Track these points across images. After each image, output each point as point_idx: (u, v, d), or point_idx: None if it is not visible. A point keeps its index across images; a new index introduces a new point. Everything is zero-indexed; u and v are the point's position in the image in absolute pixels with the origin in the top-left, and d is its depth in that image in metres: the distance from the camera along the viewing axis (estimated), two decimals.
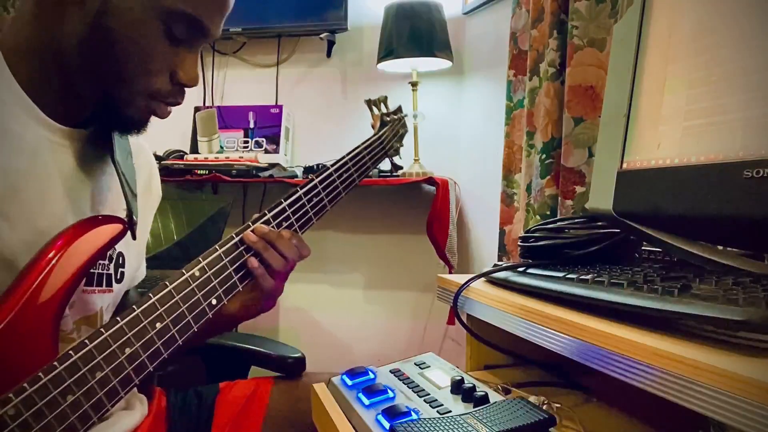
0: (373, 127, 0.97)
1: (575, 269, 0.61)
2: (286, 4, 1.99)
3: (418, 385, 0.62)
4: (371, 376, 0.65)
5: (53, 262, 0.56)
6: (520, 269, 0.69)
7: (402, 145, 1.00)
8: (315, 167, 1.82)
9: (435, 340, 2.05)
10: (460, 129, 2.01)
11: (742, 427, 0.34)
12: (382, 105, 1.00)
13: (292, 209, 0.74)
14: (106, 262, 0.70)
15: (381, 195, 2.02)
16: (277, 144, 1.99)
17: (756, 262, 0.51)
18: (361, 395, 0.60)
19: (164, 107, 0.66)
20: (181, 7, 0.60)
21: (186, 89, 0.67)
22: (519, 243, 0.76)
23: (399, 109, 1.02)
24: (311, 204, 0.77)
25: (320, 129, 2.12)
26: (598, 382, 0.71)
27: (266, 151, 1.98)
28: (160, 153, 1.85)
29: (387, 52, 1.77)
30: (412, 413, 0.54)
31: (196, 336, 0.64)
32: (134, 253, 0.77)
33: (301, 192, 0.76)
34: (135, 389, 0.67)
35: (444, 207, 1.74)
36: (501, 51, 1.58)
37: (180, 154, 1.88)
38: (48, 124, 0.63)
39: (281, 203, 0.74)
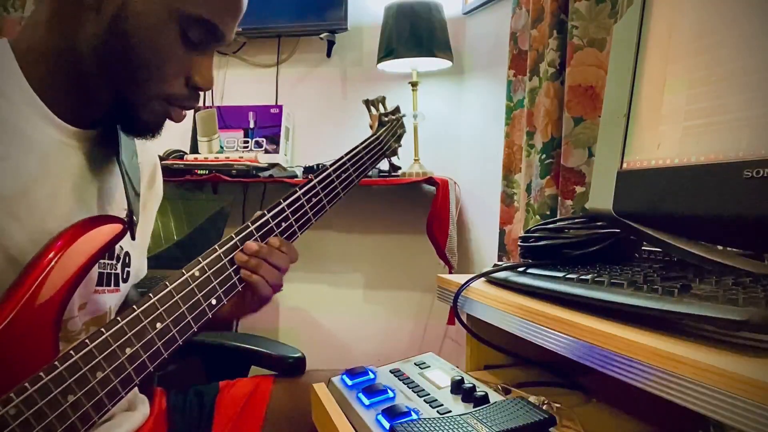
0: (371, 127, 0.97)
1: (575, 269, 0.61)
2: (286, 4, 1.99)
3: (418, 385, 0.62)
4: (371, 376, 0.65)
5: (53, 262, 0.56)
6: (520, 269, 0.69)
7: (400, 146, 1.01)
8: (315, 167, 1.82)
9: (435, 340, 2.05)
10: (460, 129, 2.01)
11: (742, 427, 0.34)
12: (380, 105, 1.00)
13: (291, 209, 0.74)
14: (114, 261, 0.71)
15: (381, 195, 2.02)
16: (277, 144, 1.99)
17: (756, 262, 0.51)
18: (361, 395, 0.60)
19: (179, 111, 0.67)
20: (197, 12, 0.61)
21: (200, 93, 0.68)
22: (519, 243, 0.76)
23: (397, 109, 1.02)
24: (310, 204, 0.77)
25: (320, 129, 2.12)
26: (598, 382, 0.71)
27: (266, 151, 1.98)
28: (160, 153, 1.85)
29: (387, 52, 1.77)
30: (412, 413, 0.54)
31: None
32: (138, 251, 0.77)
33: (300, 192, 0.76)
34: (136, 390, 0.67)
35: (444, 207, 1.74)
36: (501, 51, 1.58)
37: (180, 154, 1.88)
38: (58, 125, 0.63)
39: (280, 203, 0.74)
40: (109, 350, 0.56)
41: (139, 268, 0.80)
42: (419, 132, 1.85)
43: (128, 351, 0.58)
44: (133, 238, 0.66)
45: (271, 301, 0.75)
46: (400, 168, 1.78)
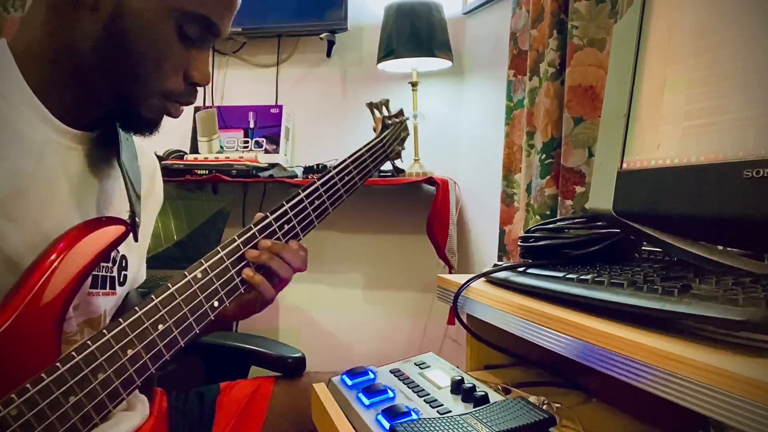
0: (374, 130, 0.97)
1: (575, 269, 0.61)
2: (286, 4, 1.99)
3: (418, 385, 0.62)
4: (371, 376, 0.65)
5: (56, 263, 0.56)
6: (520, 269, 0.69)
7: (403, 148, 1.01)
8: (315, 167, 1.82)
9: (435, 340, 2.05)
10: (460, 129, 2.01)
11: (742, 427, 0.34)
12: (384, 108, 1.00)
13: (294, 212, 0.74)
14: (110, 264, 0.70)
15: (381, 195, 2.02)
16: (277, 144, 1.99)
17: (756, 262, 0.51)
18: (361, 395, 0.60)
19: (177, 107, 0.67)
20: (193, 8, 0.61)
21: (198, 88, 0.68)
22: (519, 243, 0.76)
23: (401, 113, 1.02)
24: (313, 206, 0.77)
25: (320, 129, 2.12)
26: (598, 382, 0.71)
27: (266, 151, 1.98)
28: (160, 153, 1.85)
29: (387, 52, 1.77)
30: (412, 413, 0.54)
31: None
32: (136, 256, 0.77)
33: (302, 194, 0.76)
34: (136, 390, 0.67)
35: (444, 207, 1.74)
36: (501, 51, 1.58)
37: (180, 154, 1.88)
38: (56, 126, 0.63)
39: (283, 206, 0.74)
40: (111, 352, 0.57)
41: (137, 272, 0.80)
42: (419, 132, 1.85)
43: (130, 352, 0.58)
44: (136, 240, 0.66)
45: (273, 302, 0.75)
46: (403, 171, 1.78)
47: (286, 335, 2.14)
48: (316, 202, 0.77)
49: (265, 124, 2.02)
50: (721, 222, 0.49)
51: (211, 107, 2.04)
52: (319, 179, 0.78)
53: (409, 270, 2.06)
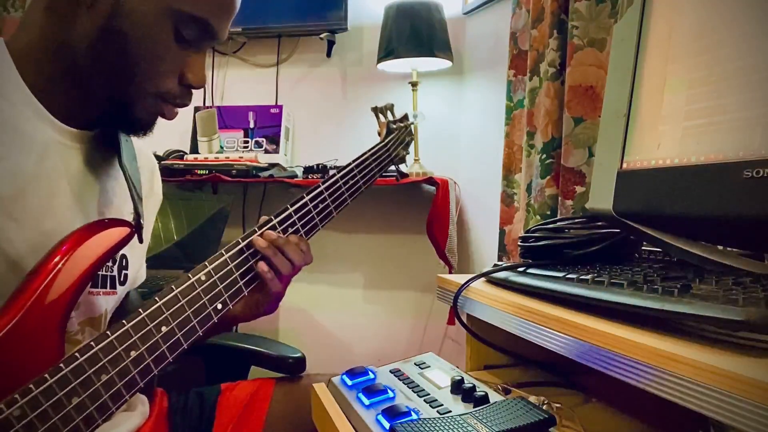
0: (379, 134, 0.97)
1: (575, 269, 0.61)
2: (286, 4, 1.99)
3: (418, 385, 0.62)
4: (371, 376, 0.65)
5: (60, 264, 0.56)
6: (520, 269, 0.70)
7: (408, 153, 1.01)
8: (315, 167, 1.82)
9: (435, 340, 2.05)
10: (460, 129, 2.01)
11: (742, 427, 0.34)
12: (389, 112, 1.00)
13: (298, 215, 0.75)
14: (110, 263, 0.70)
15: (381, 195, 2.02)
16: (277, 144, 1.99)
17: (756, 262, 0.51)
18: (361, 395, 0.60)
19: (172, 108, 0.67)
20: (190, 10, 0.61)
21: (193, 91, 0.68)
22: (519, 243, 0.76)
23: (405, 117, 1.03)
24: (317, 210, 0.77)
25: (320, 129, 2.12)
26: (598, 382, 0.71)
27: (266, 151, 1.98)
28: (160, 153, 1.85)
29: (387, 52, 1.77)
30: (412, 413, 0.54)
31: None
32: (137, 256, 0.77)
33: (307, 198, 0.76)
34: None
35: (444, 207, 1.74)
36: (501, 51, 1.58)
37: (180, 154, 1.88)
38: (56, 126, 0.63)
39: (287, 209, 0.74)
40: (114, 353, 0.57)
41: (137, 271, 0.80)
42: (419, 132, 1.85)
43: (133, 354, 0.58)
44: (140, 241, 0.66)
45: (275, 310, 0.76)
46: (407, 176, 1.77)
47: (286, 335, 2.14)
48: (321, 206, 0.77)
49: (265, 124, 2.02)
50: (721, 222, 0.49)
51: (211, 107, 2.04)
52: (323, 183, 0.78)
53: (409, 270, 2.06)
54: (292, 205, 0.74)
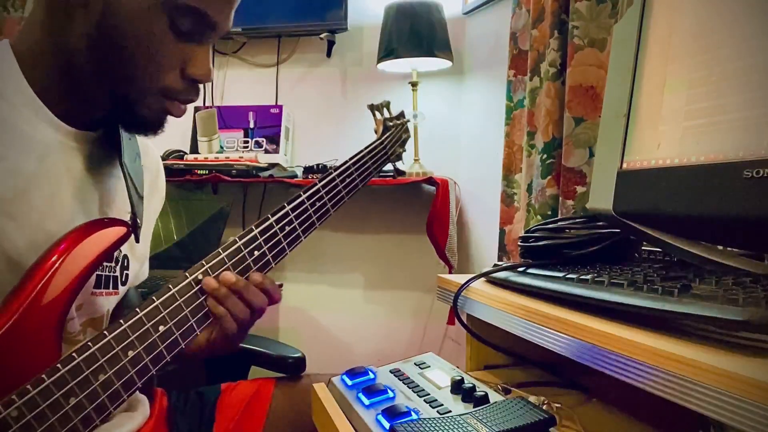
0: (375, 132, 0.97)
1: (575, 269, 0.61)
2: (286, 4, 1.99)
3: (418, 385, 0.62)
4: (371, 376, 0.65)
5: (57, 264, 0.56)
6: (520, 269, 0.69)
7: (404, 150, 1.01)
8: (315, 167, 1.82)
9: (435, 340, 2.05)
10: (460, 129, 2.01)
11: (742, 427, 0.34)
12: (385, 110, 1.00)
13: (295, 213, 0.74)
14: (113, 264, 0.70)
15: (381, 195, 2.02)
16: (277, 144, 1.99)
17: (756, 262, 0.51)
18: (361, 395, 0.60)
19: (178, 105, 0.65)
20: (184, 1, 0.59)
21: (200, 86, 0.66)
22: (519, 243, 0.76)
23: (401, 114, 1.02)
24: (314, 208, 0.77)
25: (320, 129, 2.12)
26: (598, 382, 0.71)
27: (266, 151, 1.98)
28: (160, 153, 1.85)
29: (387, 52, 1.77)
30: (412, 413, 0.54)
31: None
32: (138, 255, 0.77)
33: (304, 196, 0.76)
34: (137, 390, 0.67)
35: (444, 207, 1.74)
36: (501, 51, 1.58)
37: (180, 154, 1.88)
38: (58, 126, 0.63)
39: (284, 207, 0.74)
40: (112, 353, 0.57)
41: (139, 271, 0.80)
42: (419, 132, 1.85)
43: (131, 354, 0.58)
44: (137, 241, 0.66)
45: (236, 346, 0.70)
46: (404, 173, 1.77)
47: (286, 335, 2.14)
48: (317, 204, 0.77)
49: (265, 124, 2.02)
50: (721, 222, 0.49)
51: (211, 107, 2.04)
52: (320, 181, 0.78)
53: (409, 270, 2.06)
54: (288, 203, 0.74)
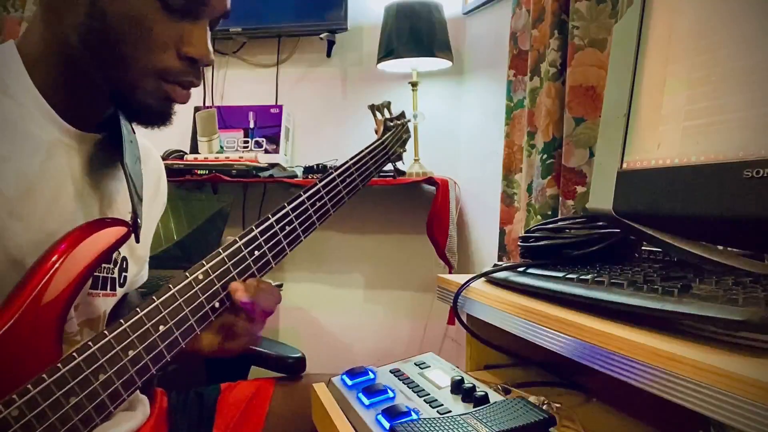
0: (376, 132, 0.97)
1: (575, 269, 0.61)
2: (286, 4, 1.99)
3: (418, 385, 0.62)
4: (371, 376, 0.65)
5: (57, 264, 0.56)
6: (520, 269, 0.69)
7: (405, 150, 1.01)
8: (315, 167, 1.82)
9: (435, 340, 2.05)
10: (460, 129, 2.01)
11: (742, 427, 0.34)
12: (386, 110, 1.00)
13: (295, 213, 0.74)
14: (111, 265, 0.70)
15: (381, 195, 2.02)
16: (277, 144, 1.99)
17: (756, 262, 0.51)
18: (361, 395, 0.60)
19: (179, 89, 0.64)
20: None
21: (201, 67, 0.64)
22: (519, 243, 0.76)
23: (402, 115, 1.02)
24: (314, 208, 0.77)
25: (320, 129, 2.12)
26: (598, 382, 0.71)
27: (266, 151, 1.98)
28: (160, 153, 1.85)
29: (387, 52, 1.77)
30: (412, 413, 0.54)
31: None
32: (137, 258, 0.77)
33: (304, 197, 0.76)
34: (137, 390, 0.67)
35: (444, 207, 1.74)
36: (501, 51, 1.58)
37: (180, 154, 1.88)
38: (63, 127, 0.63)
39: (284, 207, 0.74)
40: (112, 353, 0.57)
41: (137, 273, 0.80)
42: (419, 132, 1.85)
43: (131, 353, 0.58)
44: (137, 241, 0.66)
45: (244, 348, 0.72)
46: (404, 173, 1.78)
47: (286, 335, 2.14)
48: (317, 204, 0.77)
49: (265, 124, 2.02)
50: (721, 222, 0.49)
51: (211, 107, 2.04)
52: (320, 181, 0.78)
53: (409, 270, 2.06)
54: (288, 204, 0.74)
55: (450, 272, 1.77)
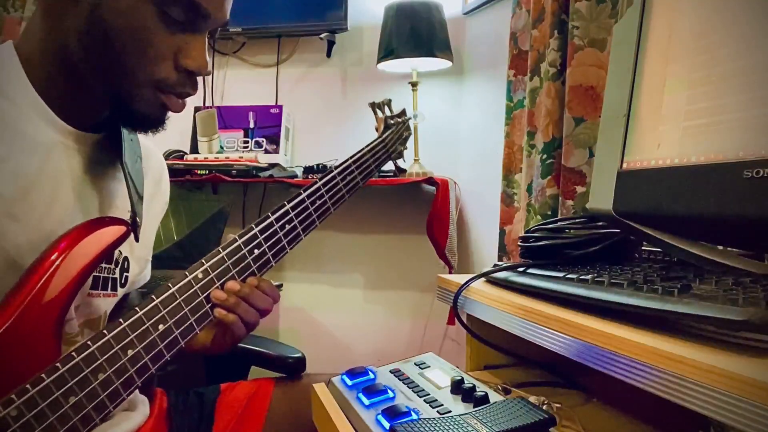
0: (376, 130, 0.97)
1: (575, 269, 0.61)
2: (286, 4, 1.99)
3: (418, 385, 0.62)
4: (371, 376, 0.65)
5: (56, 263, 0.56)
6: (520, 269, 0.69)
7: (405, 148, 1.01)
8: (315, 167, 1.82)
9: (435, 340, 2.05)
10: (460, 129, 2.01)
11: (742, 427, 0.34)
12: (386, 108, 1.00)
13: (295, 212, 0.74)
14: (112, 266, 0.70)
15: (381, 195, 2.02)
16: (277, 144, 1.99)
17: (756, 262, 0.51)
18: (361, 395, 0.60)
19: (175, 99, 0.64)
20: None
21: (198, 78, 0.64)
22: (519, 243, 0.76)
23: (403, 112, 1.02)
24: (314, 207, 0.76)
25: (320, 129, 2.12)
26: (598, 382, 0.71)
27: (266, 151, 1.98)
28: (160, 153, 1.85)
29: (387, 52, 1.77)
30: (412, 413, 0.54)
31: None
32: (138, 257, 0.77)
33: (304, 195, 0.76)
34: (137, 390, 0.67)
35: (444, 207, 1.74)
36: (501, 51, 1.58)
37: (180, 154, 1.88)
38: (61, 128, 0.63)
39: (284, 206, 0.74)
40: (111, 352, 0.57)
41: (139, 274, 0.79)
42: (419, 132, 1.85)
43: (130, 353, 0.58)
44: (137, 240, 0.66)
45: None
46: (405, 171, 1.78)
47: (286, 335, 2.14)
48: (318, 202, 0.77)
49: (265, 124, 2.02)
50: (721, 222, 0.49)
51: (211, 107, 2.04)
52: (320, 179, 0.78)
53: (409, 270, 2.06)
54: (288, 202, 0.74)
55: (450, 272, 1.77)
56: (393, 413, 0.54)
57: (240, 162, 1.78)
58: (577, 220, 0.72)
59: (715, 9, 0.52)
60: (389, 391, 0.60)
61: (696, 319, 0.41)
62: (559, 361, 0.57)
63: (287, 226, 0.74)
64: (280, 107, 2.03)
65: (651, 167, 0.56)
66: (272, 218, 0.72)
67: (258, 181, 1.85)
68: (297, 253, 2.10)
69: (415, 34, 1.73)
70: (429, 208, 1.74)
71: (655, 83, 0.57)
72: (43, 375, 0.52)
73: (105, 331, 0.57)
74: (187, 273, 0.64)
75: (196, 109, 2.01)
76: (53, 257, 0.56)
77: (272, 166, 1.84)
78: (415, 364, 0.68)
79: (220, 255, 0.67)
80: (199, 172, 1.78)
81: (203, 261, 0.66)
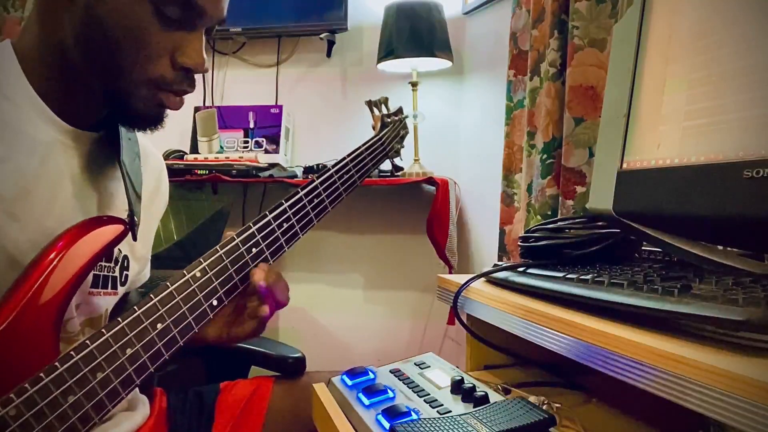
0: (373, 128, 0.97)
1: (575, 269, 0.61)
2: (286, 4, 1.99)
3: (418, 385, 0.62)
4: (371, 376, 0.65)
5: (54, 262, 0.56)
6: (520, 269, 0.69)
7: (403, 146, 1.01)
8: (315, 167, 1.82)
9: (435, 340, 2.05)
10: (460, 129, 2.01)
11: (742, 427, 0.34)
12: (383, 106, 1.00)
13: (293, 210, 0.74)
14: (112, 264, 0.70)
15: (381, 195, 2.02)
16: (277, 144, 1.99)
17: (756, 262, 0.51)
18: (361, 395, 0.60)
19: (173, 97, 0.64)
20: None
21: (195, 75, 0.64)
22: (519, 243, 0.76)
23: (400, 110, 1.02)
24: (312, 205, 0.76)
25: (320, 129, 2.12)
26: (598, 382, 0.71)
27: (266, 151, 1.98)
28: (160, 153, 1.85)
29: (387, 52, 1.77)
30: (412, 413, 0.54)
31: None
32: (138, 256, 0.77)
33: (301, 193, 0.76)
34: (136, 390, 0.67)
35: (444, 207, 1.74)
36: (501, 51, 1.58)
37: (180, 154, 1.88)
38: (60, 127, 0.63)
39: (282, 204, 0.74)
40: (110, 351, 0.56)
41: (139, 273, 0.79)
42: (419, 132, 1.85)
43: (129, 352, 0.58)
44: (134, 238, 0.66)
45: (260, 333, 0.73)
46: (402, 169, 1.78)
47: (286, 335, 2.14)
48: (315, 201, 0.77)
49: (265, 124, 2.02)
50: (721, 222, 0.49)
51: (211, 107, 2.04)
52: (318, 178, 0.78)
53: (409, 270, 2.06)
54: (286, 201, 0.74)
55: (450, 272, 1.77)
56: (393, 413, 0.54)
57: (240, 162, 1.78)
58: (577, 220, 0.72)
59: (715, 9, 0.52)
60: (389, 391, 0.60)
61: (696, 319, 0.41)
62: (559, 361, 0.57)
63: (285, 225, 0.74)
64: (280, 107, 2.03)
65: (651, 167, 0.56)
66: (270, 217, 0.72)
67: (258, 181, 1.85)
68: (297, 253, 2.10)
69: (415, 34, 1.73)
70: (429, 208, 1.74)
71: (655, 83, 0.57)
72: (41, 374, 0.52)
73: (103, 330, 0.57)
74: (185, 272, 0.64)
75: (196, 109, 2.01)
76: (51, 256, 0.56)
77: (272, 166, 1.84)
78: (415, 364, 0.68)
79: (218, 254, 0.67)
80: (199, 172, 1.78)
81: (201, 260, 0.66)
